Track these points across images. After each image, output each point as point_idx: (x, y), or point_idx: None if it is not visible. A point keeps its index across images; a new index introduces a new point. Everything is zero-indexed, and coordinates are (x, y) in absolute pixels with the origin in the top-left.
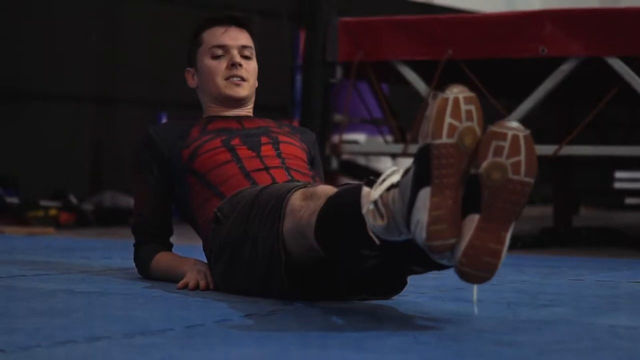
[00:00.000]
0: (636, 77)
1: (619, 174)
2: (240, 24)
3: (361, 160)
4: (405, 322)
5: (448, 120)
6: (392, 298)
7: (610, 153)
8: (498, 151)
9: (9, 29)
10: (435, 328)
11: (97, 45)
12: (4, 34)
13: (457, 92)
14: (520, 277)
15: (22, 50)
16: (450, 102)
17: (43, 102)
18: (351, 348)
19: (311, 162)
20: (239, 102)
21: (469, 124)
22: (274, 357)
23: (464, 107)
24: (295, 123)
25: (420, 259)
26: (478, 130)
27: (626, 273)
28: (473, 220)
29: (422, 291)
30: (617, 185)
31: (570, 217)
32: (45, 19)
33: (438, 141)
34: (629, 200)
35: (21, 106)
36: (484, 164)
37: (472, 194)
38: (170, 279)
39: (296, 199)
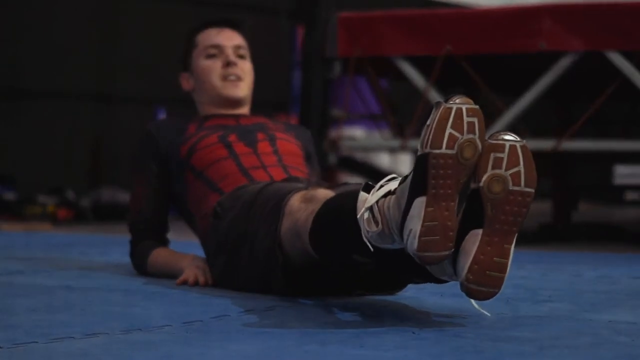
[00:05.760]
0: (636, 71)
1: (618, 169)
2: (234, 25)
3: (359, 155)
4: (404, 318)
5: (449, 130)
6: (392, 294)
7: (609, 148)
8: (497, 163)
9: (8, 26)
10: (434, 324)
11: (96, 42)
12: (3, 31)
13: (460, 103)
14: (519, 273)
15: (21, 47)
16: (452, 113)
17: (41, 99)
18: (350, 344)
19: (307, 159)
20: (237, 103)
21: (470, 136)
22: (273, 353)
23: (466, 118)
24: (293, 119)
25: (419, 270)
26: (479, 144)
27: (626, 269)
28: (476, 236)
29: (421, 287)
30: (617, 180)
31: (570, 212)
32: (44, 17)
33: (437, 151)
34: (629, 196)
35: (19, 103)
36: (484, 177)
37: (473, 209)
38: (167, 275)
39: (296, 200)
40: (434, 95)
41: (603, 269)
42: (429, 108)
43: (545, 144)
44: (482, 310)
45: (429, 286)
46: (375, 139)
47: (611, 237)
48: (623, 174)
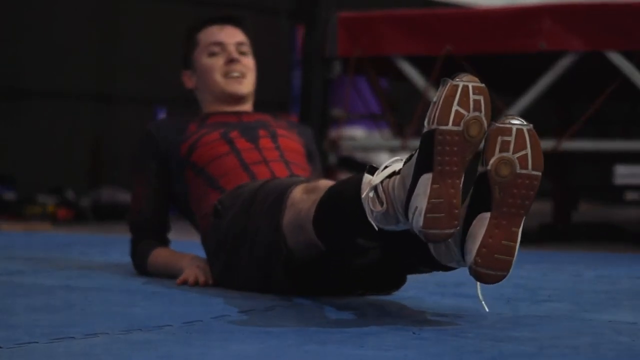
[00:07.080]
0: (636, 71)
1: (618, 169)
2: (235, 21)
3: (359, 155)
4: (404, 317)
5: (455, 107)
6: (392, 293)
7: (610, 148)
8: (504, 146)
9: (8, 26)
10: (434, 324)
11: (96, 42)
12: (3, 31)
13: (467, 81)
14: (519, 273)
15: (21, 47)
16: (459, 90)
17: (41, 98)
18: (350, 344)
19: (309, 157)
20: (240, 99)
21: (476, 114)
22: (273, 353)
23: (472, 96)
24: (293, 119)
25: (427, 259)
26: (485, 122)
27: (626, 269)
28: (484, 219)
29: (421, 286)
30: (617, 180)
31: (570, 212)
32: (44, 17)
33: (443, 127)
34: (629, 196)
35: (19, 103)
36: (492, 161)
37: (481, 193)
38: (168, 274)
39: (298, 192)
40: (434, 96)
41: (603, 269)
42: (428, 108)
43: (545, 144)
44: (484, 304)
45: (429, 286)
46: (375, 139)
47: (611, 237)
48: (623, 174)
